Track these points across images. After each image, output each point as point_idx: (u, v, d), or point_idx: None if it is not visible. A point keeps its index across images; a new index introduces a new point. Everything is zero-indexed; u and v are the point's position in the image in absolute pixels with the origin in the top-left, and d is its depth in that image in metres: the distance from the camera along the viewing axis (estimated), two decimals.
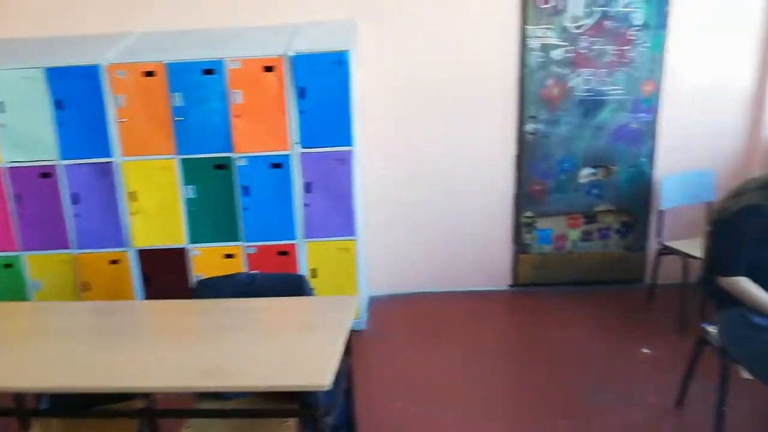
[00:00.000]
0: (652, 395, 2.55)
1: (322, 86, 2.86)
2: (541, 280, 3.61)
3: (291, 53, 2.83)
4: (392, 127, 3.37)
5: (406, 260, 3.58)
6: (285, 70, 2.85)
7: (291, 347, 1.81)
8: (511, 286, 3.64)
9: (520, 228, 3.53)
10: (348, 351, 1.91)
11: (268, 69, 2.86)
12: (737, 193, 2.06)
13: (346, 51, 2.84)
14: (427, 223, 3.53)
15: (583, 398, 2.57)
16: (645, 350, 2.90)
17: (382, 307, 3.47)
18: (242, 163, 2.96)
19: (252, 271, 2.97)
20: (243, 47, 2.95)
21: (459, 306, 3.48)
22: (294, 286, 2.08)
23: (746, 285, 1.99)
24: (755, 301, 1.98)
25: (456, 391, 2.68)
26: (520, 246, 3.56)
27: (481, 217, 3.52)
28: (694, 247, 2.91)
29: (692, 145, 3.33)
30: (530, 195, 3.47)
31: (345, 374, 1.96)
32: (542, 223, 3.51)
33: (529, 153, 3.39)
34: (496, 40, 3.21)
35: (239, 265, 3.06)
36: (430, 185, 3.47)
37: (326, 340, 1.79)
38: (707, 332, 2.24)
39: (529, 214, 3.50)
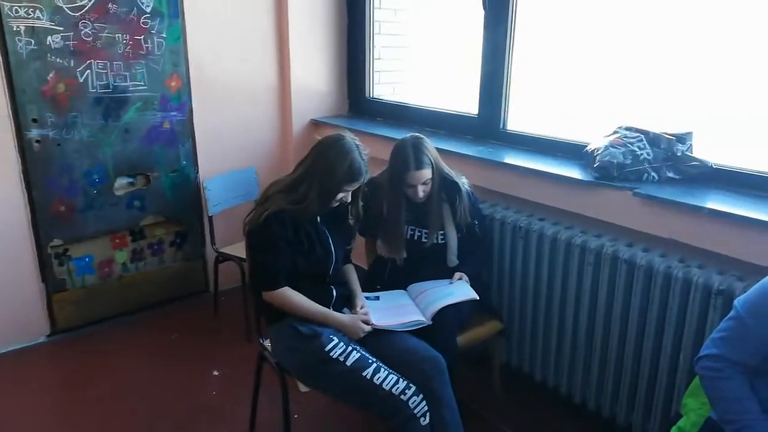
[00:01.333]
0: (226, 424, 2.32)
1: None
2: (90, 319, 2.96)
3: None
4: None
5: None
6: None
7: None
8: (49, 336, 2.87)
9: (48, 261, 2.78)
10: None
11: None
12: (263, 200, 1.93)
13: None
14: None
15: None
16: (216, 373, 2.66)
17: None
18: None
19: None
20: None
21: None
22: None
23: (288, 295, 1.89)
24: (299, 310, 1.90)
25: None
26: (52, 284, 2.81)
27: None
28: None
29: (231, 143, 3.22)
30: (54, 218, 2.75)
31: None
32: (78, 250, 2.85)
33: (41, 166, 2.65)
34: None
35: None
36: None
37: None
38: (265, 347, 2.10)
39: (57, 242, 2.78)
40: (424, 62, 3.70)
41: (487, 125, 2.79)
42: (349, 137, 1.96)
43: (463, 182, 2.30)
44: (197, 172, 3.12)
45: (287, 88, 3.33)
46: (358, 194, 2.06)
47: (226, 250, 2.96)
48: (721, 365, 1.41)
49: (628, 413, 2.17)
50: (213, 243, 3.02)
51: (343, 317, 1.94)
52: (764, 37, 2.18)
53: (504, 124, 2.76)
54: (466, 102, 2.93)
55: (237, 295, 3.01)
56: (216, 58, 3.07)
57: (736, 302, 1.45)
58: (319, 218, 1.99)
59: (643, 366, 2.08)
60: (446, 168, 2.27)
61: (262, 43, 3.22)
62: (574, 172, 2.27)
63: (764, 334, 1.37)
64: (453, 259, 2.30)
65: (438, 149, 2.32)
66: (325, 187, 1.90)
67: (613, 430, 2.23)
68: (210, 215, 2.97)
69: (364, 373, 1.79)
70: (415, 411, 1.77)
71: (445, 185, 2.25)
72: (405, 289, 2.24)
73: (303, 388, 1.93)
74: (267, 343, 2.08)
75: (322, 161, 1.91)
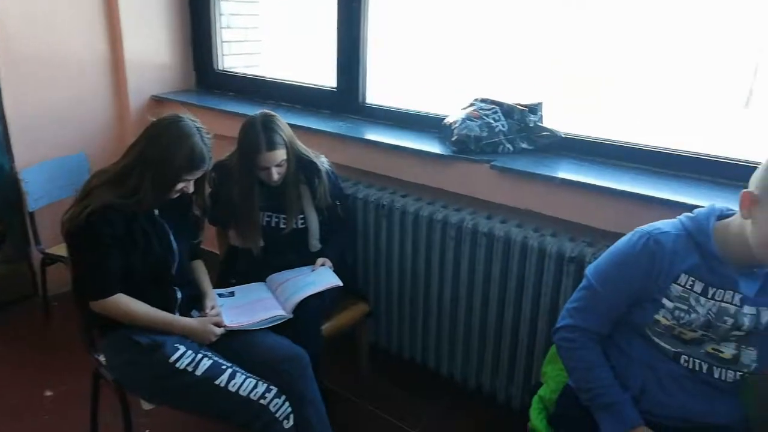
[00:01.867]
0: None
1: None
2: None
3: None
4: None
5: None
6: None
7: None
8: None
9: None
10: None
11: None
12: (84, 194, 1.63)
13: None
14: None
15: None
16: (48, 393, 2.30)
17: None
18: None
19: None
20: None
21: None
22: None
23: (122, 303, 1.64)
24: (137, 319, 1.65)
25: None
26: None
27: None
28: None
29: (54, 126, 2.77)
30: None
31: None
32: None
33: None
34: None
35: None
36: None
37: None
38: (100, 362, 1.83)
39: None
40: (279, 31, 3.47)
41: (346, 99, 2.66)
42: (189, 118, 1.72)
43: (322, 161, 2.15)
44: (12, 161, 2.65)
45: (120, 60, 2.93)
46: (203, 181, 1.83)
47: (55, 250, 2.56)
48: (575, 335, 1.42)
49: (493, 382, 2.21)
50: (37, 243, 2.60)
51: (191, 321, 1.73)
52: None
53: (363, 98, 2.64)
54: (325, 75, 2.77)
55: (72, 300, 2.62)
56: (28, 26, 2.59)
57: (587, 271, 1.47)
58: (156, 211, 1.74)
59: (504, 336, 2.11)
60: (302, 147, 2.10)
61: (86, 8, 2.78)
62: (433, 147, 2.21)
63: (614, 302, 1.40)
64: (315, 244, 2.16)
65: (294, 126, 2.16)
66: (160, 177, 1.65)
67: (479, 399, 2.26)
68: (30, 211, 2.54)
69: (217, 382, 1.60)
70: (277, 414, 1.62)
71: (301, 166, 2.09)
72: (264, 280, 2.07)
73: (146, 405, 1.69)
74: (102, 358, 1.80)
75: (155, 147, 1.65)
